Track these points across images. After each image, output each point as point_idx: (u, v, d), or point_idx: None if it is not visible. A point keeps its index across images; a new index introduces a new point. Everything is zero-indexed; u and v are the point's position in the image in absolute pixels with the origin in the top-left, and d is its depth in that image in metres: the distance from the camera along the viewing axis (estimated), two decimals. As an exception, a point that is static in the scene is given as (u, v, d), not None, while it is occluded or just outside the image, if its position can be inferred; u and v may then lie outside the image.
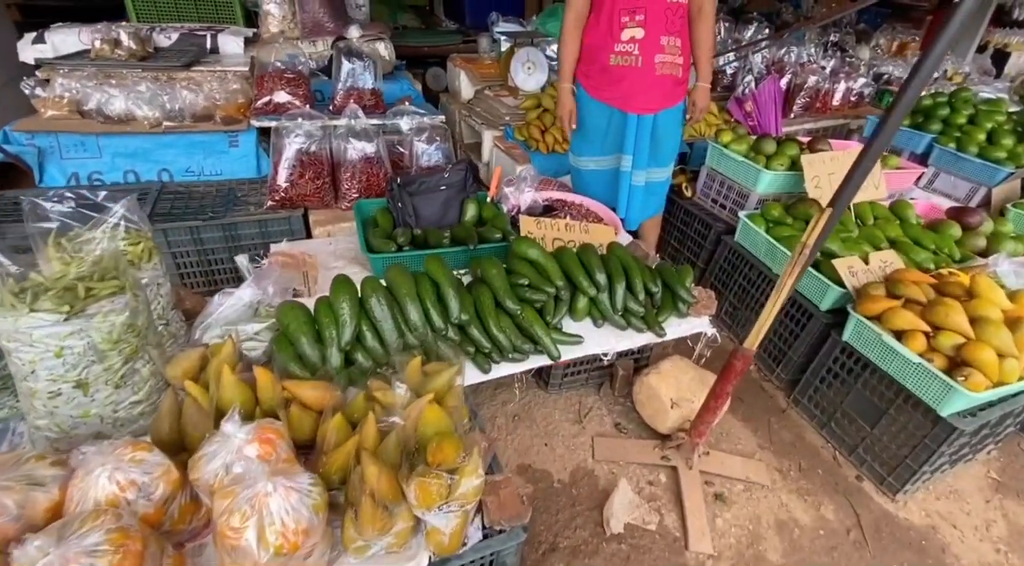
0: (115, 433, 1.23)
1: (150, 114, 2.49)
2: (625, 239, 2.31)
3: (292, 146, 2.35)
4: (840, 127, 4.28)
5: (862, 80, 4.30)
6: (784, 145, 2.56)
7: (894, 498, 1.88)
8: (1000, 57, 5.64)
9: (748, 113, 3.64)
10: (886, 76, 4.75)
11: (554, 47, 3.69)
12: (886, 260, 2.07)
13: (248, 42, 3.29)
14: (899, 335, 1.78)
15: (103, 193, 1.37)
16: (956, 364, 1.67)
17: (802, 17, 5.29)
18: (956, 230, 2.37)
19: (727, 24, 4.51)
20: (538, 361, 1.68)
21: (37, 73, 2.60)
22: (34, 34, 2.89)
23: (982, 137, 2.98)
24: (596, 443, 1.94)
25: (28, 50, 2.85)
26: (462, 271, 1.97)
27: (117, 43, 2.83)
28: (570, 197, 2.48)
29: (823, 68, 4.33)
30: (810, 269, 2.07)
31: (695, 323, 1.94)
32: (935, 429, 1.72)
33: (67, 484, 0.97)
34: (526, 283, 1.71)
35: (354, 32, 3.58)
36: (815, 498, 1.87)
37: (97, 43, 2.81)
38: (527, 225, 2.04)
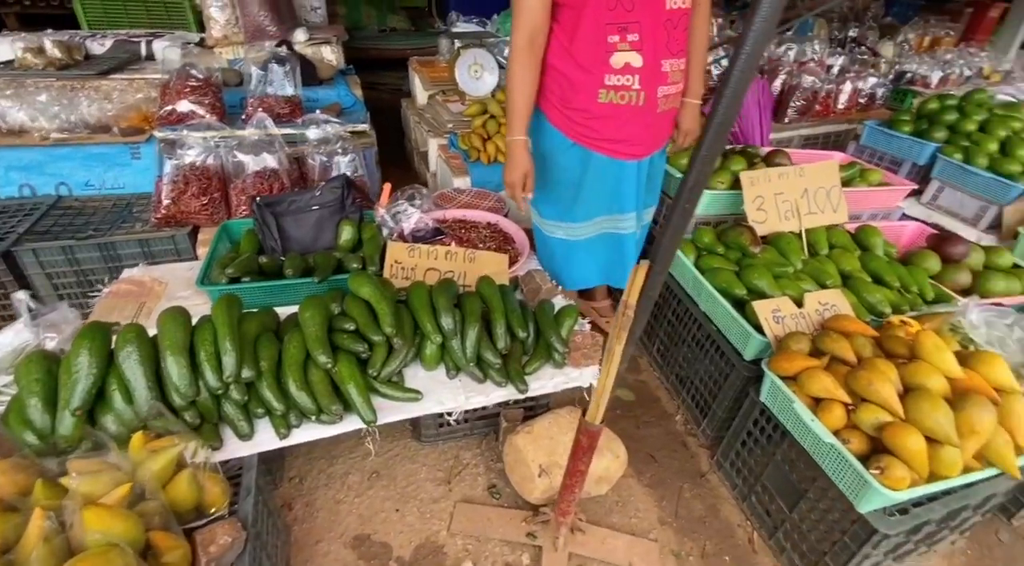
0: None
1: (45, 125, 2.39)
2: (531, 267, 2.02)
3: (177, 159, 2.19)
4: (846, 133, 3.81)
5: (873, 80, 3.81)
6: (731, 159, 2.20)
7: (814, 602, 1.52)
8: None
9: (726, 118, 3.25)
10: (909, 75, 4.23)
11: (512, 48, 3.42)
12: (826, 302, 1.70)
13: (194, 46, 3.18)
14: (820, 403, 1.43)
15: None
16: (880, 448, 1.31)
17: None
18: (934, 263, 1.95)
19: (719, 20, 4.09)
20: (358, 422, 1.43)
21: (-52, 84, 2.55)
22: (-35, 44, 2.87)
23: (993, 147, 2.51)
24: (457, 511, 1.67)
25: (-42, 60, 2.83)
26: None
27: (40, 51, 2.77)
28: (477, 216, 2.21)
29: (828, 67, 3.87)
30: (734, 312, 1.72)
31: (574, 375, 1.63)
32: (853, 527, 1.36)
33: None
34: (352, 329, 1.45)
35: (300, 36, 3.43)
36: (712, 595, 1.54)
37: (19, 53, 2.75)
38: (394, 253, 1.78)
